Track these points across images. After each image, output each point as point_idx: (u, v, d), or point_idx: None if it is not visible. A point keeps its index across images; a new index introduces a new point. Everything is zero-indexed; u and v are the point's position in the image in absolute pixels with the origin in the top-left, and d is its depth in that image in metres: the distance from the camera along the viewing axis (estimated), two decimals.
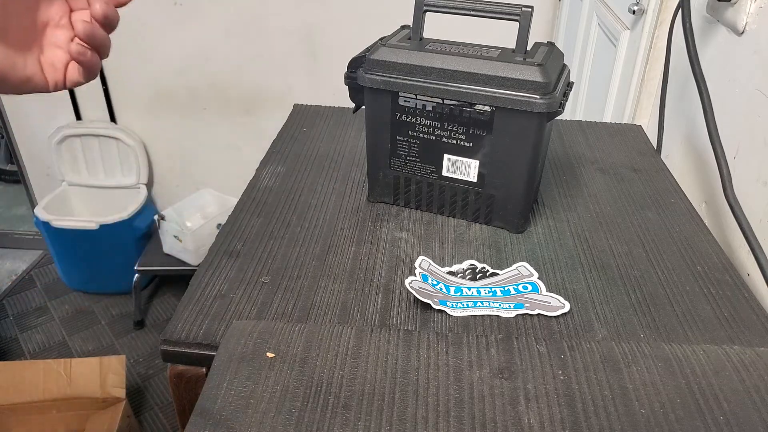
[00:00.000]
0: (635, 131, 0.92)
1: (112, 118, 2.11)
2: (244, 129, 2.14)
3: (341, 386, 0.44)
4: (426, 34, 0.65)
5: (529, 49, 0.61)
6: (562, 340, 0.49)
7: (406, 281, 0.57)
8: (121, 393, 1.50)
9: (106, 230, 1.97)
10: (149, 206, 2.15)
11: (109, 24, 0.47)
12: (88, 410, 1.50)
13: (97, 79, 2.07)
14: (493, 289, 0.58)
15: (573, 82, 0.65)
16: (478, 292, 0.58)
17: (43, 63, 0.47)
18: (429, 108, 0.63)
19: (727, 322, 0.54)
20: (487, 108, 0.60)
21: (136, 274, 2.01)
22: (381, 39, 0.66)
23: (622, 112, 1.14)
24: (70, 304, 2.13)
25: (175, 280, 2.22)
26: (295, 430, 0.41)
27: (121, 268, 2.03)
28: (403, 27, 0.69)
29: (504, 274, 0.60)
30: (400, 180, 0.69)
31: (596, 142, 0.88)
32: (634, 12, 1.09)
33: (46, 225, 1.96)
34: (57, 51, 0.47)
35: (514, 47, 0.60)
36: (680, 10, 0.79)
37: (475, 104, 0.61)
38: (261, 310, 0.54)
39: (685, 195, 0.75)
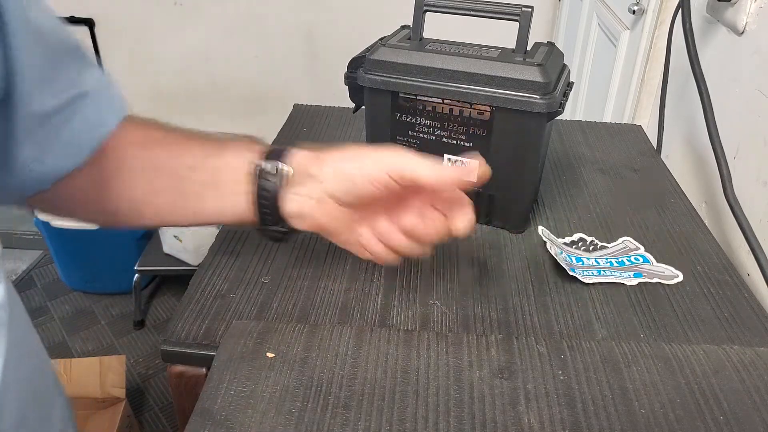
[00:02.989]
0: (635, 131, 0.92)
1: None
2: (244, 129, 2.13)
3: (341, 386, 0.44)
4: (426, 34, 0.64)
5: (529, 49, 0.61)
6: (562, 340, 0.49)
7: (547, 246, 0.61)
8: (121, 393, 1.50)
9: (106, 230, 1.97)
10: None
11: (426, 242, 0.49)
12: (88, 410, 1.50)
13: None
14: (609, 259, 0.62)
15: (573, 82, 0.65)
16: (597, 262, 0.61)
17: (368, 239, 0.49)
18: (429, 108, 0.63)
19: (727, 322, 0.54)
20: (487, 108, 0.60)
21: (136, 274, 2.01)
22: (381, 39, 0.66)
23: (622, 112, 1.14)
24: (70, 304, 2.13)
25: (175, 280, 2.22)
26: (295, 430, 0.41)
27: (121, 268, 2.03)
28: (403, 27, 0.69)
29: (612, 247, 0.64)
30: None
31: (596, 142, 0.88)
32: (634, 12, 1.09)
33: (46, 225, 1.96)
34: (389, 238, 0.49)
35: (514, 47, 0.60)
36: (680, 10, 0.79)
37: (475, 104, 0.61)
38: (261, 310, 0.54)
39: (685, 195, 0.75)
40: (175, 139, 0.48)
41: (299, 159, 0.47)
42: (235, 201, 0.47)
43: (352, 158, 0.46)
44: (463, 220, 0.47)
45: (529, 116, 0.59)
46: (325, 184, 0.46)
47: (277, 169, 0.46)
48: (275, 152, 0.47)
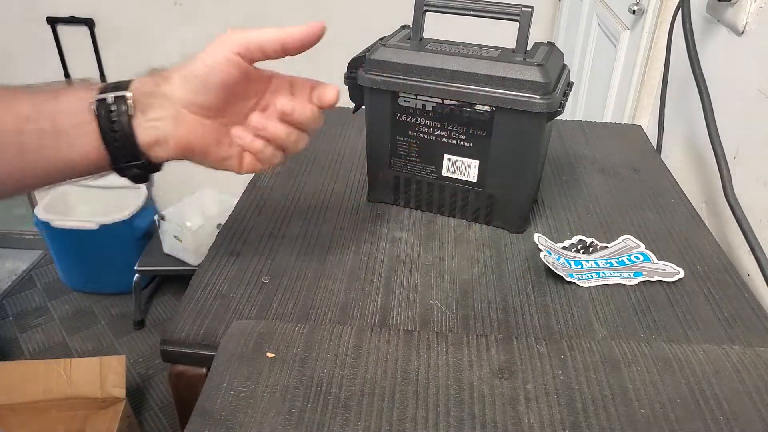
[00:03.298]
0: (635, 131, 0.92)
1: None
2: None
3: (341, 386, 0.44)
4: (426, 34, 0.64)
5: (529, 49, 0.61)
6: (562, 340, 0.49)
7: (541, 255, 0.60)
8: (121, 393, 1.50)
9: (106, 230, 1.97)
10: (149, 206, 2.15)
11: (310, 125, 0.48)
12: (88, 410, 1.50)
13: (97, 79, 2.07)
14: (608, 260, 0.62)
15: (573, 82, 0.65)
16: (596, 263, 0.61)
17: (245, 148, 0.48)
18: (429, 108, 0.63)
19: (727, 322, 0.54)
20: (487, 108, 0.60)
21: (136, 274, 2.01)
22: (381, 39, 0.66)
23: (622, 112, 1.14)
24: (70, 304, 2.13)
25: (175, 280, 2.22)
26: (295, 430, 0.41)
27: (121, 268, 2.03)
28: (403, 27, 0.69)
29: (613, 246, 0.64)
30: (400, 180, 0.69)
31: (596, 142, 0.88)
32: (634, 12, 1.09)
33: (46, 225, 1.96)
34: (269, 143, 0.48)
35: (514, 47, 0.60)
36: (680, 10, 0.79)
37: (475, 104, 0.61)
38: (261, 310, 0.54)
39: (685, 195, 0.75)
40: (1, 93, 0.43)
41: (142, 82, 0.45)
42: (84, 144, 0.43)
43: (194, 58, 0.45)
44: (329, 88, 0.48)
45: (529, 116, 0.59)
46: (175, 97, 0.44)
47: (117, 98, 0.43)
48: (115, 84, 0.44)
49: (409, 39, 0.65)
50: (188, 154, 0.46)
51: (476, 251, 0.64)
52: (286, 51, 0.46)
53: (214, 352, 0.48)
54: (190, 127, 0.45)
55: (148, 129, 0.44)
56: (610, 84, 1.23)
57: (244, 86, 0.46)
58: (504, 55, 0.61)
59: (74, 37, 2.03)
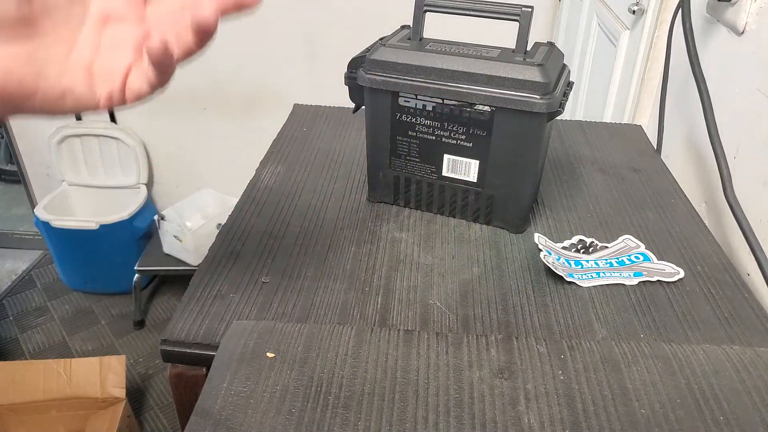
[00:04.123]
0: (635, 131, 0.92)
1: (112, 118, 2.11)
2: (244, 129, 2.14)
3: (341, 386, 0.44)
4: (426, 34, 0.64)
5: (529, 49, 0.61)
6: (562, 340, 0.49)
7: (540, 255, 0.60)
8: (121, 393, 1.50)
9: (106, 230, 1.97)
10: (149, 206, 2.15)
11: (207, 31, 0.33)
12: (88, 410, 1.50)
13: None
14: (608, 260, 0.62)
15: (573, 82, 0.65)
16: (596, 263, 0.61)
17: (91, 69, 0.34)
18: (429, 108, 0.63)
19: (727, 322, 0.54)
20: (487, 108, 0.60)
21: (136, 274, 2.01)
22: (381, 39, 0.66)
23: (622, 112, 1.14)
24: (70, 304, 2.13)
25: (175, 280, 2.22)
26: (295, 430, 0.41)
27: (121, 268, 2.04)
28: (403, 27, 0.69)
29: (613, 246, 0.64)
30: (400, 180, 0.69)
31: (596, 142, 0.88)
32: (634, 12, 1.09)
33: (46, 225, 1.96)
34: (116, 53, 0.34)
35: (514, 47, 0.60)
36: (680, 10, 0.79)
37: (475, 104, 0.61)
38: (261, 310, 0.54)
39: (685, 195, 0.75)
40: None
41: None
42: None
43: None
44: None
45: (529, 116, 0.59)
46: None
47: None
48: None
49: (409, 39, 0.65)
50: (9, 103, 0.32)
51: (476, 251, 0.64)
52: None
53: (214, 352, 0.48)
54: None
55: None
56: (610, 84, 1.23)
57: None
58: (504, 55, 0.61)
59: None
